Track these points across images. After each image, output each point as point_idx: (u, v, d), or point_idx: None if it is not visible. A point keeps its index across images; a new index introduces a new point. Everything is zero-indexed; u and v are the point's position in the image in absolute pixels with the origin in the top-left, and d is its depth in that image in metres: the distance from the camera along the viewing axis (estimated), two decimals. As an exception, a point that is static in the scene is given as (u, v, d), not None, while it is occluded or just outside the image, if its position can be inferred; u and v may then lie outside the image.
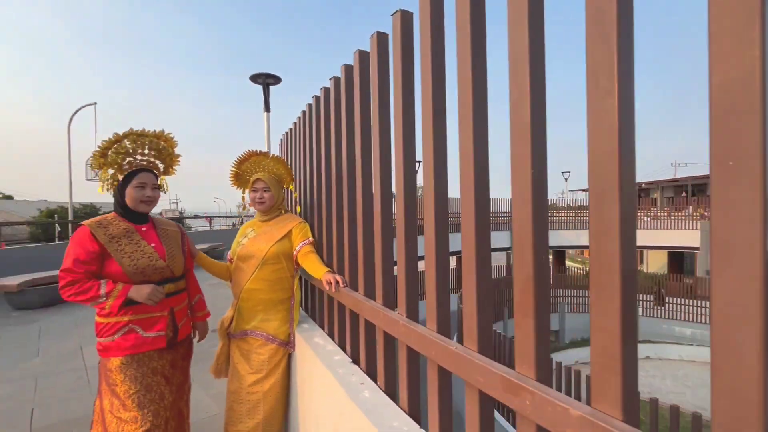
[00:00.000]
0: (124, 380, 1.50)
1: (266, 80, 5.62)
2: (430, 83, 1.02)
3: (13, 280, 5.15)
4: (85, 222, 1.58)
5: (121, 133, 1.65)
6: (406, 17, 1.17)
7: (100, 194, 1.73)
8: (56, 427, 2.37)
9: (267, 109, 5.67)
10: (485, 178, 0.86)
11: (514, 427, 1.03)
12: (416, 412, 1.14)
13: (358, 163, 1.47)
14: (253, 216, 2.12)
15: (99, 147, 1.63)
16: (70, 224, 9.62)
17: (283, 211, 2.05)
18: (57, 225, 13.25)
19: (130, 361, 1.52)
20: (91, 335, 4.15)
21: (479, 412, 0.85)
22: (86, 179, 10.37)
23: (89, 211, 19.55)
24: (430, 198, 1.00)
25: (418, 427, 1.07)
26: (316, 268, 1.74)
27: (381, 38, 1.34)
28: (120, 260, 1.53)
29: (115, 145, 1.62)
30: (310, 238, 1.92)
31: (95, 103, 10.88)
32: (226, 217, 26.89)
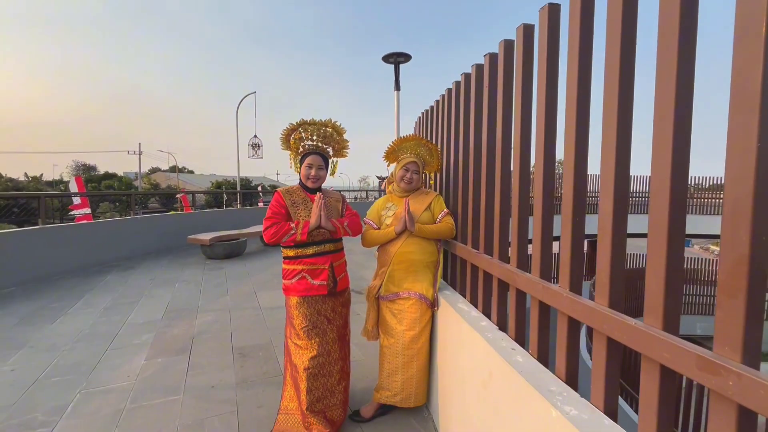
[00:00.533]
0: (298, 315, 1.93)
1: (397, 59, 5.82)
2: (576, 73, 1.12)
3: (206, 236, 6.67)
4: (279, 189, 2.04)
5: (296, 122, 2.03)
6: (554, 10, 1.27)
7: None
8: (248, 348, 3.10)
9: (397, 87, 5.90)
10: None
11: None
12: (574, 382, 1.18)
13: (516, 138, 1.50)
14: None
15: (282, 134, 2.04)
16: (238, 194, 11.84)
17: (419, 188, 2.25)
18: (224, 194, 16.44)
19: (302, 302, 1.93)
20: (262, 282, 5.15)
21: (659, 387, 0.86)
22: (248, 157, 12.58)
23: (244, 183, 23.63)
24: (610, 179, 1.00)
25: (578, 395, 1.12)
26: (434, 228, 2.08)
27: (527, 29, 1.47)
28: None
29: (293, 133, 2.01)
30: (446, 209, 2.16)
31: (255, 92, 12.94)
32: (349, 190, 29.20)
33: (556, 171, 1.50)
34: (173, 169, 47.26)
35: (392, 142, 2.24)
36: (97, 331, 3.44)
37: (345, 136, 2.12)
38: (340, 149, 2.11)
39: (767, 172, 0.66)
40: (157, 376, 2.62)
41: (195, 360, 2.88)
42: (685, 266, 11.81)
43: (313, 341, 1.92)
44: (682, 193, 0.83)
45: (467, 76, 2.04)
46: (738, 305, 0.70)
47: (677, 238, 0.83)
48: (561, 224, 1.21)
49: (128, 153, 36.30)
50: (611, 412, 1.03)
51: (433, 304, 2.06)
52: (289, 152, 2.04)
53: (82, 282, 5.16)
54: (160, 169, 53.53)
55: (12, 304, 4.20)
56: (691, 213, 14.66)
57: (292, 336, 1.96)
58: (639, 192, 15.16)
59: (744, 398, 0.67)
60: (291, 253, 1.97)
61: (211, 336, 3.34)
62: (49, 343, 3.15)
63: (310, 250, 1.95)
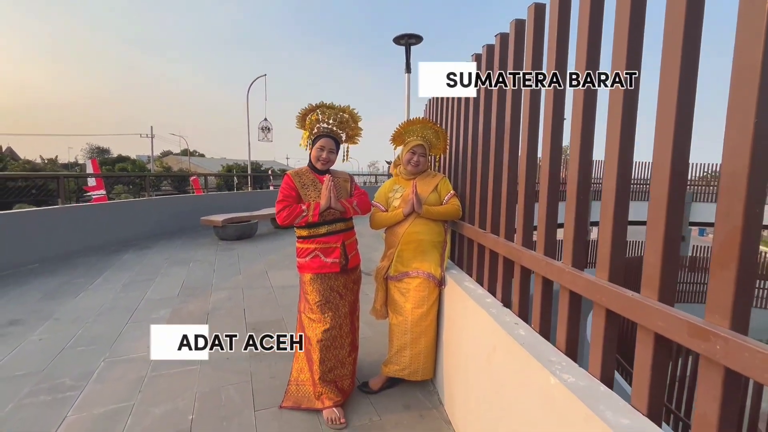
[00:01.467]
0: (312, 291, 2.01)
1: (408, 41, 5.75)
2: (585, 56, 1.13)
3: (219, 218, 6.80)
4: (288, 171, 2.09)
5: (315, 103, 2.06)
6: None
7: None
8: (260, 324, 3.22)
9: (408, 69, 5.85)
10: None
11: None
12: (573, 353, 1.24)
13: (525, 120, 1.52)
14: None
15: (299, 112, 2.08)
16: (249, 177, 11.97)
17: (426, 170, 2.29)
18: (235, 177, 16.65)
19: (316, 278, 2.01)
20: (273, 263, 5.27)
21: (653, 354, 0.90)
22: (258, 140, 12.64)
23: (254, 167, 23.80)
24: (614, 157, 1.02)
25: (576, 365, 1.17)
26: (441, 209, 2.14)
27: (538, 9, 1.47)
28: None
29: (310, 114, 2.04)
30: (453, 191, 2.20)
31: (265, 75, 12.90)
32: (359, 175, 29.18)
33: (563, 154, 1.53)
34: (185, 152, 47.67)
35: (399, 125, 2.27)
36: (118, 305, 3.60)
37: (359, 125, 2.16)
38: (353, 136, 2.16)
39: (763, 147, 0.69)
40: (176, 348, 2.76)
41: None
42: (699, 255, 11.65)
43: (326, 315, 2.01)
44: (682, 169, 0.85)
45: (478, 57, 2.04)
46: (729, 275, 0.73)
47: (676, 212, 0.86)
48: (566, 202, 1.24)
49: (140, 136, 36.71)
50: (607, 380, 1.08)
51: (441, 283, 2.12)
52: (303, 131, 2.09)
53: (100, 260, 5.35)
54: (171, 153, 54.04)
55: (36, 279, 4.39)
56: (709, 201, 14.37)
57: (306, 310, 2.05)
58: (641, 179, 15.00)
59: (730, 361, 0.71)
60: (304, 233, 2.03)
61: (225, 312, 3.47)
62: (73, 316, 3.32)
63: (322, 230, 2.01)
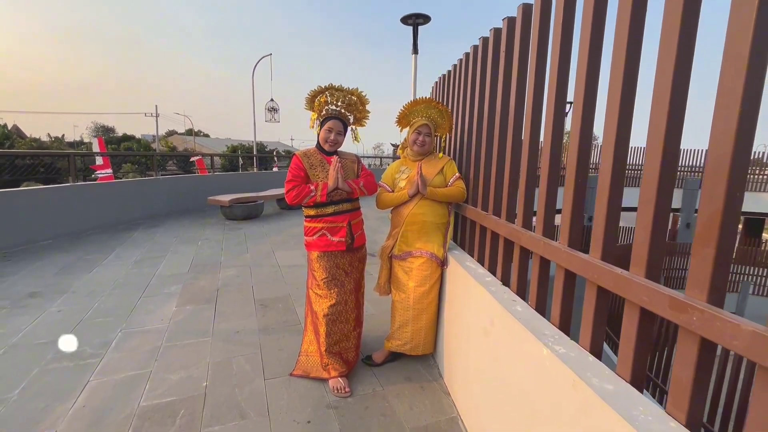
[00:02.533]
0: (318, 268, 2.10)
1: (416, 21, 5.67)
2: (589, 32, 1.15)
3: (225, 198, 6.90)
4: (296, 152, 2.14)
5: (324, 86, 2.10)
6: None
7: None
8: (268, 300, 3.34)
9: (415, 51, 5.79)
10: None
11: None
12: (566, 328, 1.32)
13: (528, 104, 1.56)
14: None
15: (308, 94, 2.12)
16: (255, 158, 12.02)
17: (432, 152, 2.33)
18: (240, 158, 16.66)
19: (322, 256, 2.10)
20: (279, 243, 5.38)
21: (638, 326, 0.98)
22: (265, 121, 12.62)
23: (259, 148, 23.76)
24: (611, 140, 1.07)
25: (568, 338, 1.25)
26: (446, 191, 2.18)
27: None
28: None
29: (319, 96, 2.08)
30: (458, 174, 2.24)
31: (270, 54, 12.74)
32: (364, 157, 29.05)
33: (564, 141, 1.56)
34: (189, 132, 47.53)
35: (403, 106, 2.30)
36: (130, 281, 3.73)
37: (367, 107, 2.20)
38: (361, 118, 2.20)
39: (746, 134, 0.74)
40: (188, 321, 2.89)
41: (220, 309, 3.13)
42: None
43: (332, 291, 2.10)
44: (673, 150, 0.90)
45: (485, 40, 2.05)
46: (709, 253, 0.79)
47: (665, 194, 0.92)
48: (564, 184, 1.29)
49: (145, 115, 36.62)
50: (596, 352, 1.16)
51: (443, 263, 2.20)
52: (312, 113, 2.14)
53: (111, 237, 5.48)
54: (176, 132, 53.90)
55: (51, 255, 4.54)
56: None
57: (314, 286, 2.15)
58: (636, 165, 14.93)
59: (704, 330, 0.78)
60: (312, 212, 2.11)
61: (234, 288, 3.59)
62: (89, 290, 3.45)
63: (329, 210, 2.09)
